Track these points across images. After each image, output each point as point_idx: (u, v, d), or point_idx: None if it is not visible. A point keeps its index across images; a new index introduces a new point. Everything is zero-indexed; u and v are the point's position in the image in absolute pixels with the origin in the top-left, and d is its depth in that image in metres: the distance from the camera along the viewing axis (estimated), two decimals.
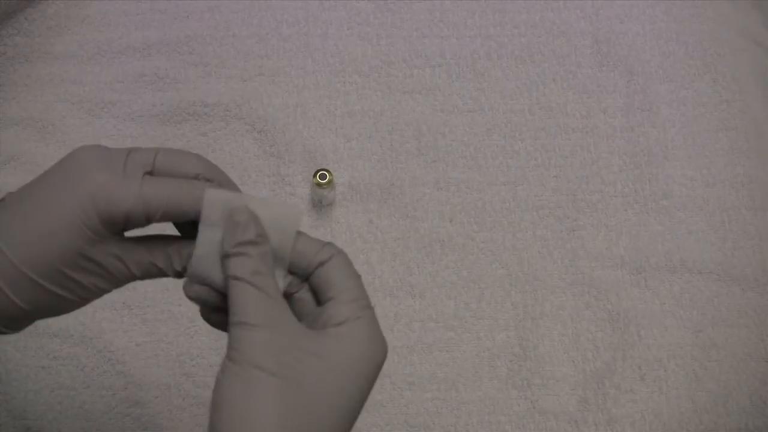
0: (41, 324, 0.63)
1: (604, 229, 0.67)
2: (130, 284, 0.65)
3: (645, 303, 0.66)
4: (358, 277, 0.38)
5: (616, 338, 0.65)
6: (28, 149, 0.69)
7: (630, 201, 0.68)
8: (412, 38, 0.73)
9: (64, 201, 0.35)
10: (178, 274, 0.38)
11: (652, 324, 0.65)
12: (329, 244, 0.38)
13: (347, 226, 0.67)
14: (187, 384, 0.63)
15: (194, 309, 0.39)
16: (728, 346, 0.64)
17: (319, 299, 0.38)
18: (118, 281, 0.38)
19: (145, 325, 0.64)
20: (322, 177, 0.62)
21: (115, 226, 0.36)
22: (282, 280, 0.38)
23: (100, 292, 0.38)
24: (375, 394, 0.63)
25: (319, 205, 0.67)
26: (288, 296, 0.38)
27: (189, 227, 0.39)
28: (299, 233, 0.38)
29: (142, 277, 0.38)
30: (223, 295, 0.36)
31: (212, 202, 0.37)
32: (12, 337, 0.63)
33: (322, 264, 0.37)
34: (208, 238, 0.37)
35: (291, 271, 0.38)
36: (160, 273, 0.38)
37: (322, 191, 0.63)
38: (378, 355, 0.36)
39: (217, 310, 0.38)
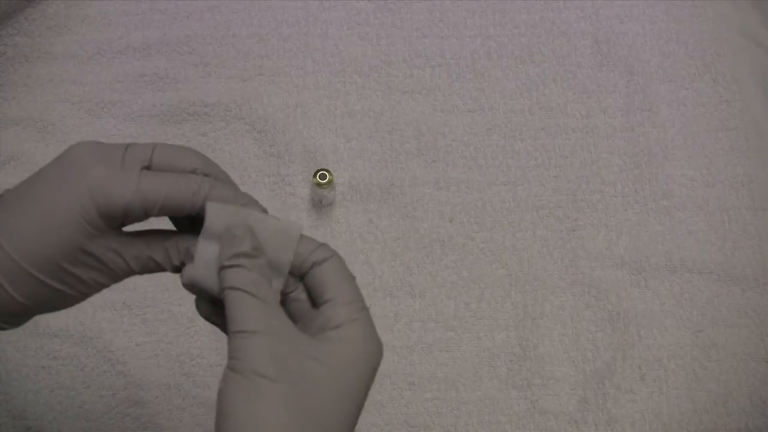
0: (41, 324, 0.64)
1: (604, 229, 0.67)
2: (130, 284, 0.65)
3: (645, 303, 0.65)
4: (353, 278, 0.38)
5: (616, 338, 0.64)
6: (28, 149, 0.69)
7: (630, 201, 0.68)
8: (412, 38, 0.73)
9: (62, 196, 0.35)
10: (176, 269, 0.38)
11: (652, 324, 0.65)
12: (324, 245, 0.38)
13: (347, 226, 0.67)
14: (187, 384, 0.63)
15: (194, 309, 0.39)
16: (728, 346, 0.64)
17: (314, 301, 0.38)
18: (116, 276, 0.38)
19: (145, 325, 0.64)
20: (322, 177, 0.62)
21: (114, 221, 0.36)
22: (279, 294, 0.38)
23: (99, 287, 0.38)
24: (375, 394, 0.63)
25: (319, 205, 0.67)
26: (284, 296, 0.38)
27: (186, 222, 0.39)
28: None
29: (141, 272, 0.38)
30: (221, 307, 0.37)
31: (214, 215, 0.37)
32: (12, 337, 0.63)
33: (317, 264, 0.38)
34: (207, 250, 0.37)
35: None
36: (159, 267, 0.38)
37: (322, 191, 0.63)
38: (375, 356, 0.36)
39: (212, 302, 0.38)
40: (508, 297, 0.66)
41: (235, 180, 0.40)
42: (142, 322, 0.64)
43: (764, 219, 0.68)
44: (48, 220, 0.35)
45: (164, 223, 0.39)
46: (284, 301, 0.38)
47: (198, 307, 0.39)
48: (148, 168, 0.37)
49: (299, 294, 0.38)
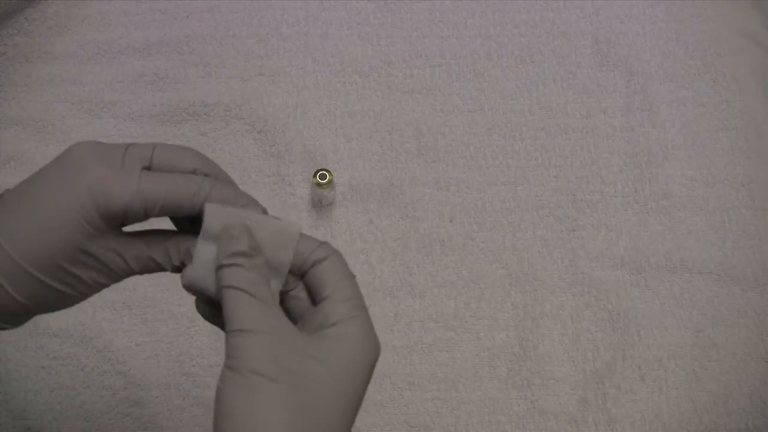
0: (41, 324, 0.64)
1: (604, 229, 0.67)
2: (130, 284, 0.65)
3: (645, 303, 0.65)
4: (352, 277, 0.38)
5: (616, 338, 0.65)
6: (28, 149, 0.69)
7: (630, 201, 0.68)
8: (412, 38, 0.73)
9: (62, 196, 0.35)
10: (177, 269, 0.38)
11: (652, 324, 0.65)
12: (325, 243, 0.38)
13: (347, 226, 0.67)
14: (187, 384, 0.63)
15: (194, 309, 0.39)
16: (728, 346, 0.64)
17: (314, 299, 0.38)
18: (116, 276, 0.38)
19: (145, 325, 0.64)
20: (322, 177, 0.62)
21: (114, 221, 0.36)
22: (278, 294, 0.38)
23: (99, 287, 0.38)
24: (375, 394, 0.63)
25: (319, 205, 0.67)
26: (283, 294, 0.38)
27: (187, 222, 0.39)
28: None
29: (141, 272, 0.38)
30: (219, 308, 0.37)
31: (213, 216, 0.37)
32: (12, 337, 0.63)
33: (317, 263, 0.38)
34: (205, 251, 0.37)
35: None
36: (159, 267, 0.38)
37: (322, 191, 0.63)
38: (372, 355, 0.36)
39: (212, 303, 0.38)
40: (508, 297, 0.66)
41: (235, 180, 0.40)
42: (142, 322, 0.64)
43: (764, 219, 0.68)
44: (48, 220, 0.35)
45: (164, 223, 0.39)
46: (284, 299, 0.38)
47: (198, 307, 0.39)
48: (148, 168, 0.37)
49: (299, 292, 0.38)
